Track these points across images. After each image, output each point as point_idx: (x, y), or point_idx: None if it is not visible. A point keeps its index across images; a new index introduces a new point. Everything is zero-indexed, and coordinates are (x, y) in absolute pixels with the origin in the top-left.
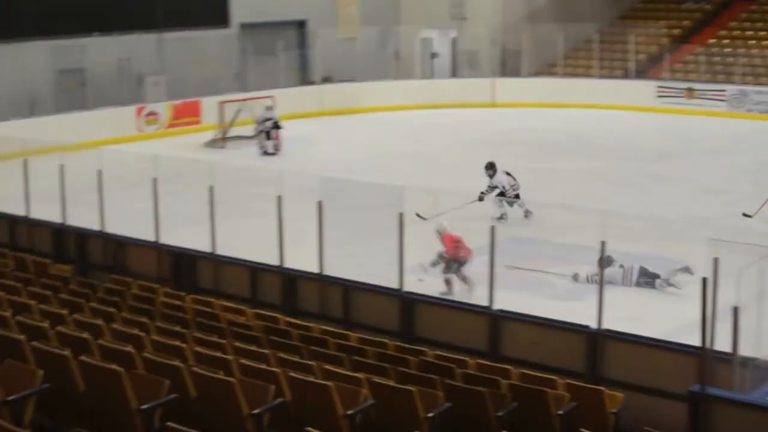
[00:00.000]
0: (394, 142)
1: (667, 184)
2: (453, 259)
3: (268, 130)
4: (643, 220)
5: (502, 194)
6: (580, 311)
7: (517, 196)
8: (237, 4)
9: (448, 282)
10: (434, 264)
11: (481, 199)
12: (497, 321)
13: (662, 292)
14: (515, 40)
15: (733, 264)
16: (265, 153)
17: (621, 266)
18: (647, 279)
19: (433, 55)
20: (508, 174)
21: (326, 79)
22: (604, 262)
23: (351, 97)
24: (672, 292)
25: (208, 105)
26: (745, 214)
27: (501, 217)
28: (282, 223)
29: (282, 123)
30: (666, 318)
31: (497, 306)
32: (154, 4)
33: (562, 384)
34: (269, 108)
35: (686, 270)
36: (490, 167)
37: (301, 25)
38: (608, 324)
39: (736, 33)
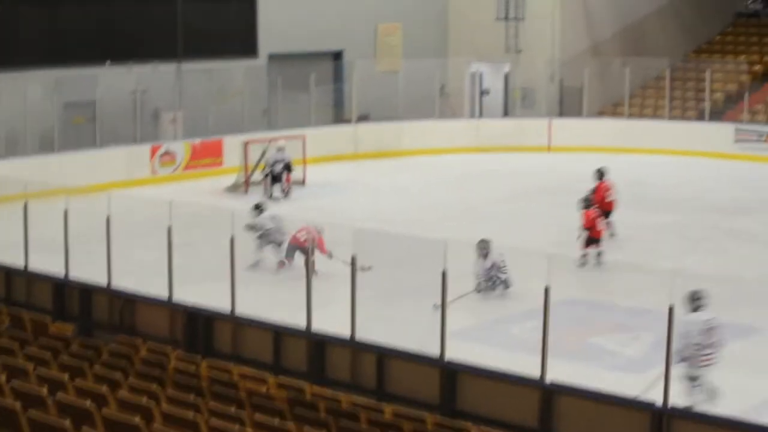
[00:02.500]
0: (437, 190)
1: (744, 240)
2: None
3: (278, 174)
4: (717, 281)
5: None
6: (644, 384)
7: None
8: (266, 33)
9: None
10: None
11: (478, 290)
12: (550, 394)
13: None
14: (576, 75)
15: None
16: (271, 197)
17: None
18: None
19: (484, 92)
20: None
21: (363, 118)
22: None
23: (390, 138)
24: (746, 362)
25: (231, 144)
26: None
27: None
28: (310, 279)
29: (294, 166)
30: (743, 393)
31: (550, 377)
32: (174, 31)
33: None
34: (280, 149)
35: None
36: (485, 247)
37: (336, 56)
38: (676, 399)
39: None
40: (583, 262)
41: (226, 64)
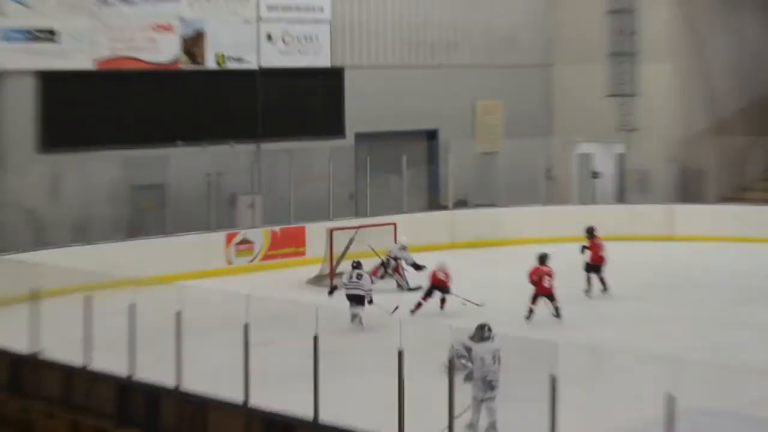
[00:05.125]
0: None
1: None
2: None
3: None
4: None
5: None
6: None
7: None
8: (353, 110)
9: None
10: None
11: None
12: None
13: None
14: (697, 156)
15: None
16: (409, 289)
17: None
18: None
19: (595, 175)
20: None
21: (461, 203)
22: None
23: (491, 226)
24: None
25: (315, 232)
26: None
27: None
28: (402, 384)
29: (419, 263)
30: None
31: None
32: (253, 108)
33: None
34: (404, 248)
35: None
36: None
37: (430, 136)
38: None
39: None
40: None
41: (310, 144)
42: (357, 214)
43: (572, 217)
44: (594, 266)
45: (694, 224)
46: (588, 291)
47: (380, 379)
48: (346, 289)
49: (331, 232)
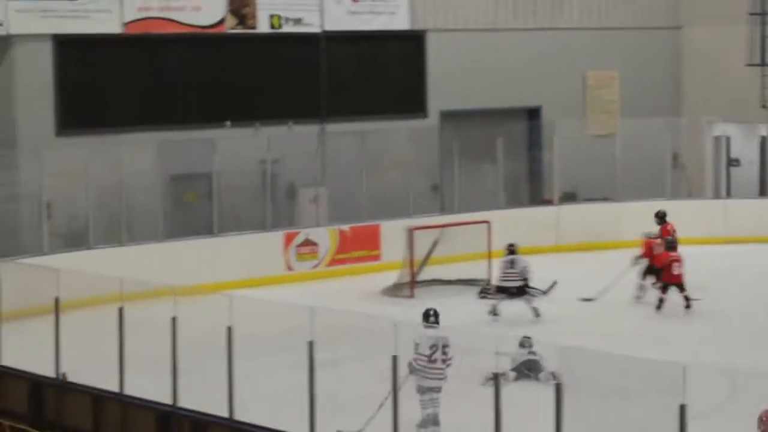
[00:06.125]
0: (669, 294)
1: None
2: None
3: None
4: None
5: None
6: None
7: None
8: (437, 85)
9: None
10: None
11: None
12: None
13: None
14: None
15: None
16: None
17: None
18: None
19: (733, 163)
20: None
21: (568, 197)
22: None
23: (606, 225)
24: None
25: (391, 232)
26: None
27: None
28: (500, 412)
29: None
30: None
31: None
32: (316, 83)
33: None
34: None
35: None
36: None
37: (531, 114)
38: None
39: None
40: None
41: (385, 125)
42: (442, 210)
43: (705, 214)
44: (655, 269)
45: None
46: (639, 297)
47: (474, 407)
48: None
49: (411, 231)
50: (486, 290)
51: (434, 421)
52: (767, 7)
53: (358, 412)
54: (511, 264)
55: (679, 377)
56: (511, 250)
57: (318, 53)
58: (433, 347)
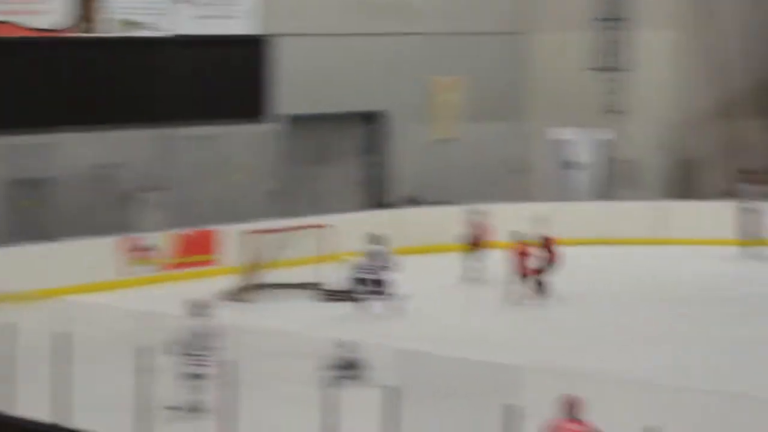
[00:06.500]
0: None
1: None
2: None
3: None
4: None
5: None
6: None
7: None
8: (282, 89)
9: None
10: None
11: None
12: None
13: None
14: (698, 144)
15: None
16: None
17: None
18: None
19: (572, 166)
20: None
21: (412, 201)
22: None
23: (448, 227)
24: None
25: (230, 236)
26: None
27: None
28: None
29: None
30: None
31: None
32: (154, 87)
33: None
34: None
35: None
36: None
37: (374, 119)
38: None
39: None
40: None
41: (226, 129)
42: (282, 214)
43: (545, 217)
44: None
45: (690, 224)
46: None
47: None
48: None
49: (250, 235)
50: (330, 293)
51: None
52: (611, 13)
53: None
54: (372, 257)
55: (515, 379)
56: (373, 242)
57: (163, 57)
58: (201, 335)
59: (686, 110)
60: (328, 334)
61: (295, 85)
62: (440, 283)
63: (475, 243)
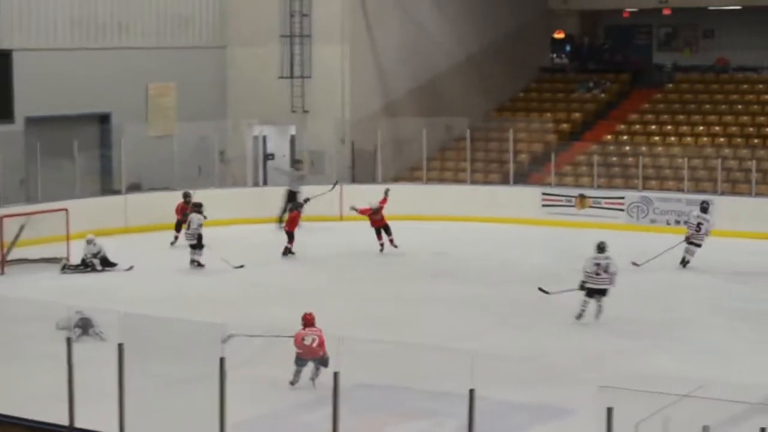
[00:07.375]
0: (217, 266)
1: (553, 314)
2: None
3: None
4: (523, 361)
5: None
6: None
7: None
8: (22, 93)
9: None
10: None
11: None
12: None
13: None
14: (369, 138)
15: (629, 415)
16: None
17: None
18: None
19: (268, 157)
20: None
21: (134, 187)
22: None
23: (166, 210)
24: None
25: None
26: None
27: None
28: (72, 371)
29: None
30: None
31: None
32: None
33: None
34: (90, 242)
35: None
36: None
37: (103, 119)
38: None
39: (636, 128)
40: None
41: None
42: (28, 200)
43: (248, 199)
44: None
45: (363, 204)
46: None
47: (51, 370)
48: None
49: (1, 219)
50: (67, 266)
51: None
52: (294, 30)
53: None
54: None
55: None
56: (193, 208)
57: None
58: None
59: (358, 110)
60: (68, 301)
61: (36, 92)
62: (161, 255)
63: (183, 220)
